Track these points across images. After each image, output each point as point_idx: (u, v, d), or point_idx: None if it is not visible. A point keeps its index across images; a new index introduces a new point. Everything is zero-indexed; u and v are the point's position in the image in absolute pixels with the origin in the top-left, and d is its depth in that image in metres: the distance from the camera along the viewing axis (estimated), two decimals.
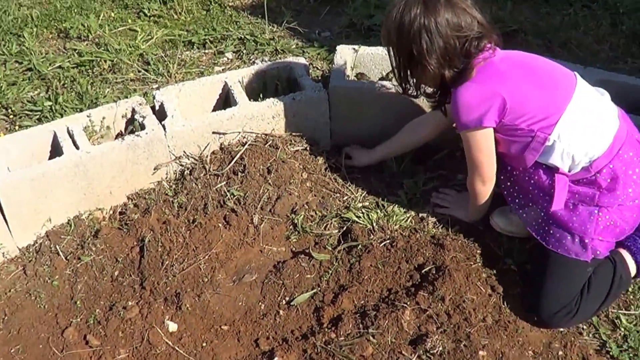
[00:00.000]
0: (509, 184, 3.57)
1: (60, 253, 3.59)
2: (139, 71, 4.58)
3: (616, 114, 3.43)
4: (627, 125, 3.45)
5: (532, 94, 3.29)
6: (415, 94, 3.58)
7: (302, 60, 4.23)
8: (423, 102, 3.89)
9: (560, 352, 3.30)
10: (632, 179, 3.36)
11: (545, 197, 3.42)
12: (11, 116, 4.31)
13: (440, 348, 3.20)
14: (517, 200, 3.55)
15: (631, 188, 3.36)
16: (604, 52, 4.91)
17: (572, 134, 3.29)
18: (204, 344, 3.35)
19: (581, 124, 3.30)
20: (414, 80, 3.50)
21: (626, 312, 3.45)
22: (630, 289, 3.53)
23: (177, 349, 3.31)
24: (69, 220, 3.71)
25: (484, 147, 3.40)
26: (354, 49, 4.24)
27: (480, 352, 3.23)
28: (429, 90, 3.55)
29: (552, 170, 3.38)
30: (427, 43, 3.23)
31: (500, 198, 3.63)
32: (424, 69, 3.32)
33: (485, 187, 3.53)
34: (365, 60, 4.26)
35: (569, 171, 3.36)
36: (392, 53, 3.43)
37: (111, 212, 3.79)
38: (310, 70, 4.54)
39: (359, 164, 4.05)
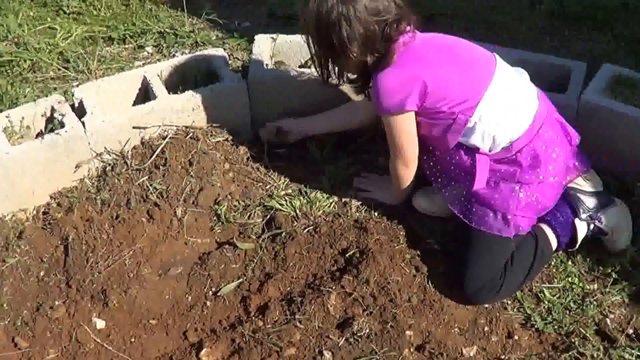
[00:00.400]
0: (431, 164, 3.61)
1: None
2: (59, 69, 4.55)
3: (536, 94, 3.50)
4: (546, 105, 3.51)
5: (452, 77, 3.33)
6: (336, 82, 3.59)
7: (220, 51, 4.24)
8: (345, 88, 3.92)
9: (486, 328, 3.36)
10: (552, 157, 3.43)
11: (467, 177, 3.46)
12: None
13: (367, 330, 3.24)
14: (439, 180, 3.59)
15: (551, 166, 3.43)
16: (522, 33, 4.99)
17: (493, 115, 3.34)
18: (133, 340, 3.36)
19: (502, 106, 3.36)
20: (336, 69, 3.50)
21: (549, 285, 3.53)
22: (552, 263, 3.62)
23: (105, 345, 3.31)
24: None
25: (405, 130, 3.43)
26: (272, 37, 4.26)
27: (407, 332, 3.27)
28: (352, 76, 3.56)
29: (473, 151, 3.43)
30: (347, 31, 3.23)
31: (422, 178, 3.67)
32: (346, 57, 3.33)
33: (408, 170, 3.57)
34: (284, 49, 4.28)
35: (490, 151, 3.41)
36: (311, 43, 3.43)
37: (35, 212, 3.76)
38: (230, 61, 4.55)
39: (297, 128, 4.06)
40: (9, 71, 4.57)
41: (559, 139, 3.50)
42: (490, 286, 3.40)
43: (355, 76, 3.55)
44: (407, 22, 3.32)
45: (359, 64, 3.38)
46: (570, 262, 3.63)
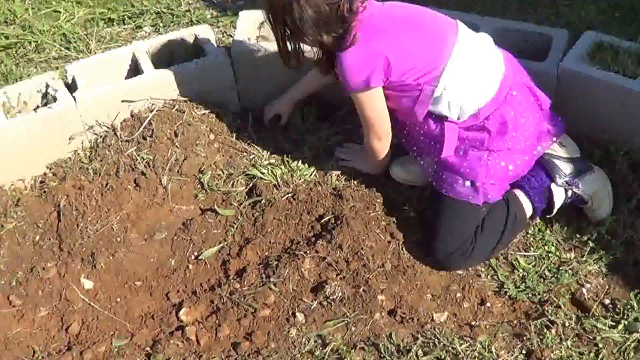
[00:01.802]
0: (405, 133, 3.68)
1: None
2: (61, 50, 4.70)
3: (501, 59, 3.52)
4: (514, 70, 3.54)
5: (414, 49, 3.36)
6: (295, 63, 3.58)
7: (206, 27, 4.36)
8: None
9: (459, 294, 3.43)
10: (520, 123, 3.47)
11: (436, 145, 3.52)
12: None
13: (340, 294, 3.35)
14: (414, 149, 3.67)
15: (520, 132, 3.48)
16: (515, 2, 4.97)
17: (458, 84, 3.38)
18: (118, 299, 3.53)
19: (466, 74, 3.40)
20: (293, 48, 3.51)
21: (525, 253, 3.57)
22: (530, 231, 3.66)
23: (92, 304, 3.48)
24: None
25: (374, 105, 3.48)
26: (256, 14, 4.35)
27: (379, 297, 3.37)
28: (315, 55, 3.61)
29: (441, 119, 3.48)
30: (298, 13, 3.25)
31: (398, 148, 3.76)
32: (301, 38, 3.39)
33: (381, 142, 3.64)
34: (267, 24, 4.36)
35: (458, 119, 3.46)
36: (270, 25, 3.46)
37: (32, 181, 3.93)
38: (223, 38, 4.69)
39: (285, 108, 4.17)
40: (14, 53, 4.72)
41: (528, 104, 3.53)
42: (460, 252, 3.47)
43: (318, 57, 3.60)
44: (360, 0, 3.33)
45: (316, 44, 3.45)
46: (547, 231, 3.66)
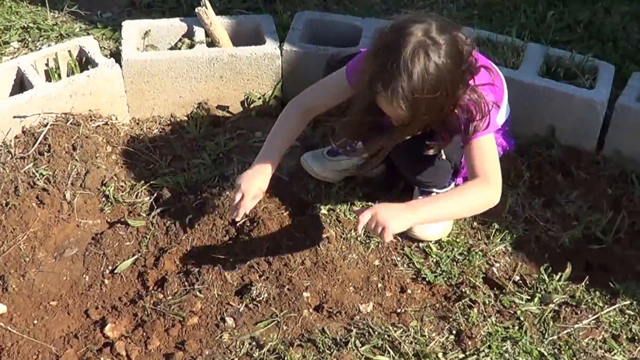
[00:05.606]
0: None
1: None
2: None
3: None
4: None
5: None
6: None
7: (90, 38, 4.28)
8: (215, 67, 4.11)
9: (380, 285, 3.50)
10: None
11: None
12: None
13: (266, 294, 3.37)
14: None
15: None
16: (377, 5, 5.09)
17: None
18: (35, 321, 3.39)
19: None
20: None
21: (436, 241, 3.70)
22: None
23: (9, 329, 3.33)
24: None
25: None
26: (140, 23, 4.32)
27: (305, 294, 3.41)
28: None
29: None
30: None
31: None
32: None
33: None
34: (153, 33, 4.34)
35: None
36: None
37: None
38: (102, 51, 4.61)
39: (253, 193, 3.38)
40: None
41: None
42: None
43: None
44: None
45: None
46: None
